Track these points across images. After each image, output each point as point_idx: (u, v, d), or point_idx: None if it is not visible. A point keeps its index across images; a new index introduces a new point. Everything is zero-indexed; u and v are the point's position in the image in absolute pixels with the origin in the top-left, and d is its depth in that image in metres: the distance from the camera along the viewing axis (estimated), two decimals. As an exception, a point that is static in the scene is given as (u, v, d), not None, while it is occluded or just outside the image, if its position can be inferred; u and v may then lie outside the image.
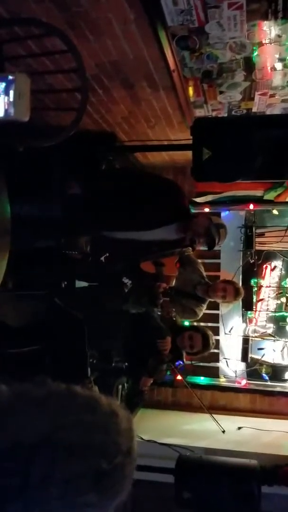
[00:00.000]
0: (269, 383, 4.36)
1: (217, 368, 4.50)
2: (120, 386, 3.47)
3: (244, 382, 4.40)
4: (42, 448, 0.68)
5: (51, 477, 0.67)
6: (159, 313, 3.34)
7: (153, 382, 3.73)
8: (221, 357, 4.46)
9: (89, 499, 0.69)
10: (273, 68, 2.84)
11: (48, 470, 0.67)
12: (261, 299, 4.45)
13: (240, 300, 3.88)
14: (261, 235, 4.39)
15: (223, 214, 4.38)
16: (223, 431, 3.66)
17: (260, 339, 4.39)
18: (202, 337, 3.41)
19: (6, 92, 1.74)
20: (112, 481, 0.72)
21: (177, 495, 2.87)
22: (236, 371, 4.40)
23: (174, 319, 3.72)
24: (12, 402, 0.73)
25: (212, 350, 4.21)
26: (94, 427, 0.74)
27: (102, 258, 3.04)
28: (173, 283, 3.79)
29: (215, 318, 4.43)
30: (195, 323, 4.24)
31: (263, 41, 2.56)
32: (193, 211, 4.12)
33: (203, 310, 3.81)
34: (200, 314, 3.77)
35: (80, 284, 3.27)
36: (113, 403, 0.80)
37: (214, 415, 3.96)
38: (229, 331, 4.43)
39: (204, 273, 3.94)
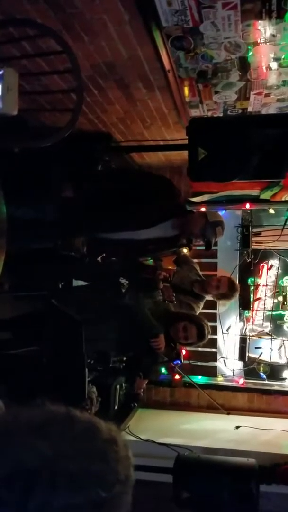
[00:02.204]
0: (266, 382, 4.37)
1: (215, 367, 4.50)
2: (118, 386, 3.46)
3: (241, 381, 4.40)
4: (42, 475, 0.66)
5: (49, 506, 0.66)
6: (160, 297, 3.28)
7: (149, 382, 3.72)
8: (218, 356, 4.47)
9: None
10: (268, 68, 2.84)
11: (47, 499, 0.66)
12: (258, 298, 4.45)
13: (235, 294, 3.87)
14: (258, 234, 4.40)
15: (219, 213, 4.38)
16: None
17: (257, 338, 4.39)
18: (196, 329, 3.35)
19: (-5, 87, 1.76)
20: (109, 510, 0.71)
21: (176, 495, 2.87)
22: (233, 370, 4.40)
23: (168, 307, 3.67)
24: (11, 428, 0.72)
25: (209, 350, 4.24)
26: (94, 456, 0.72)
27: (99, 259, 3.05)
28: (172, 277, 3.79)
29: (213, 317, 4.43)
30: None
31: (258, 41, 2.56)
32: (188, 208, 4.12)
33: (201, 307, 3.82)
34: (198, 311, 3.78)
35: (77, 283, 3.27)
36: (112, 429, 0.78)
37: (212, 414, 3.97)
38: (227, 330, 4.43)
39: (200, 272, 3.95)
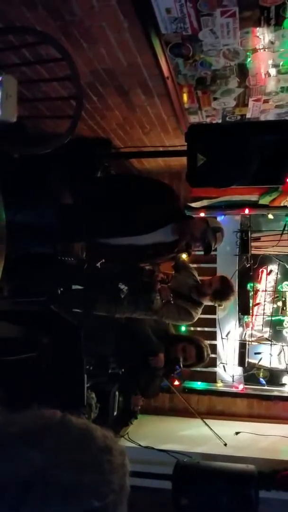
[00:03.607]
0: (266, 387, 4.36)
1: (215, 373, 4.49)
2: (117, 393, 3.46)
3: (241, 386, 4.40)
4: (35, 486, 0.65)
5: None
6: (157, 297, 3.29)
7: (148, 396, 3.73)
8: (218, 362, 4.46)
9: None
10: (267, 74, 2.86)
11: (39, 509, 0.65)
12: (258, 303, 4.45)
13: (230, 292, 3.82)
14: (257, 239, 4.41)
15: (218, 218, 4.39)
16: (225, 444, 3.62)
17: (257, 343, 4.39)
18: (196, 350, 3.39)
19: (-6, 94, 1.77)
20: None
21: (175, 501, 2.86)
22: (233, 376, 4.40)
23: (167, 328, 3.70)
24: (4, 437, 0.71)
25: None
26: (88, 466, 0.71)
27: (98, 264, 3.05)
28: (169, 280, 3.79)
29: (212, 323, 4.44)
30: (191, 328, 4.26)
31: (257, 48, 2.58)
32: (188, 214, 4.13)
33: (199, 313, 3.81)
34: (196, 317, 3.77)
35: (76, 287, 3.27)
36: (108, 437, 0.77)
37: (211, 420, 3.96)
38: (226, 336, 4.43)
39: (199, 278, 3.95)
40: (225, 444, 3.57)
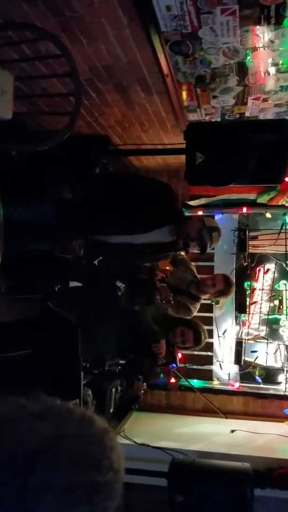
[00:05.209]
0: (262, 385, 4.38)
1: (211, 371, 4.51)
2: (113, 390, 3.46)
3: (237, 384, 4.41)
4: (43, 454, 0.69)
5: (50, 484, 0.67)
6: (157, 297, 3.31)
7: (147, 385, 3.74)
8: (214, 360, 4.48)
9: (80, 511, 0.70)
10: (266, 73, 2.85)
11: (47, 477, 0.68)
12: (254, 302, 4.47)
13: (231, 290, 3.87)
14: (254, 238, 4.42)
15: (216, 217, 4.40)
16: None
17: (253, 341, 4.41)
18: (193, 334, 3.41)
19: (-11, 90, 1.76)
20: (103, 496, 0.72)
21: (170, 499, 2.87)
22: (229, 374, 4.41)
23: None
24: (11, 413, 0.74)
25: (205, 353, 4.25)
26: (92, 440, 0.75)
27: (96, 262, 3.04)
28: (169, 278, 3.81)
29: (209, 321, 4.44)
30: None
31: (256, 46, 2.57)
32: (186, 214, 4.14)
33: (197, 308, 3.84)
34: (195, 312, 3.80)
35: (73, 284, 3.27)
36: (104, 422, 0.81)
37: (207, 418, 3.98)
38: (223, 334, 4.44)
39: (196, 273, 3.96)
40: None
